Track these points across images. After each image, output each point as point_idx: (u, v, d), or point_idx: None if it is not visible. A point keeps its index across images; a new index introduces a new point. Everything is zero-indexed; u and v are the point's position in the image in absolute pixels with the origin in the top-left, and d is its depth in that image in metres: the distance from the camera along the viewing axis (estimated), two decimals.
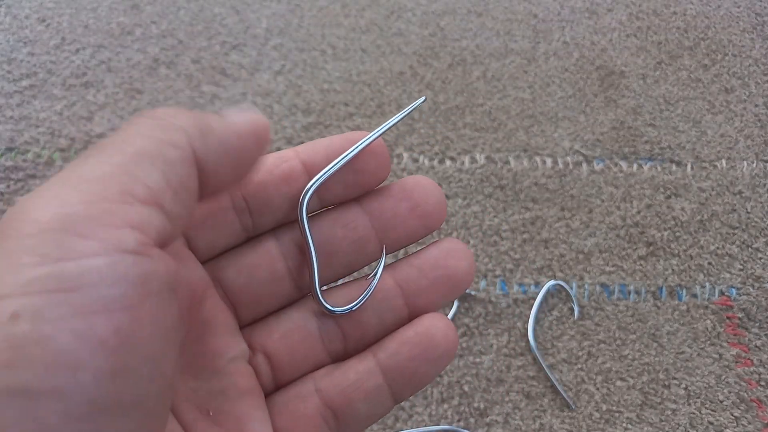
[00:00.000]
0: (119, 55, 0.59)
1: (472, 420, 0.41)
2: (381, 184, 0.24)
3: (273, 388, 0.23)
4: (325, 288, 0.24)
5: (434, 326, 0.22)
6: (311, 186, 0.21)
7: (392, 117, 0.23)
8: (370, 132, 0.22)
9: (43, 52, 0.59)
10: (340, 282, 0.25)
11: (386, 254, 0.24)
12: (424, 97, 0.24)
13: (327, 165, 0.22)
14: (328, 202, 0.24)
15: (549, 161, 0.53)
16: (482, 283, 0.46)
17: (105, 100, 0.56)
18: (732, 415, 0.42)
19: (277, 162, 0.22)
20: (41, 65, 0.58)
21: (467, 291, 0.46)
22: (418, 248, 0.25)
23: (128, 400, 0.13)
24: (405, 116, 0.23)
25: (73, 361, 0.12)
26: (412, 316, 0.23)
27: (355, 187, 0.23)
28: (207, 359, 0.21)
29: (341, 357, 0.24)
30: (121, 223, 0.14)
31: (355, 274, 0.25)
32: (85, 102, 0.56)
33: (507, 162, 0.53)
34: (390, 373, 0.22)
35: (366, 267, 0.25)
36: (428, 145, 0.54)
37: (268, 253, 0.23)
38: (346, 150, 0.22)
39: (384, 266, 0.23)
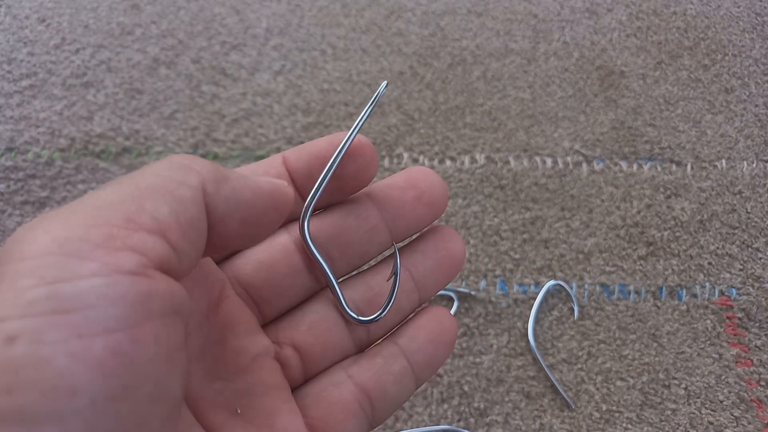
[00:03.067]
0: (119, 55, 0.59)
1: (472, 420, 0.41)
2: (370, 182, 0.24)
3: (303, 379, 0.23)
4: (341, 280, 0.25)
5: (441, 313, 0.25)
6: (308, 209, 0.22)
7: (364, 111, 0.23)
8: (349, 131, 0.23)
9: (43, 52, 0.59)
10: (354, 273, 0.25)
11: (395, 243, 0.25)
12: (385, 82, 0.24)
13: (313, 170, 0.23)
14: (321, 207, 0.24)
15: (549, 161, 0.53)
16: (482, 283, 0.46)
17: (105, 100, 0.56)
18: (732, 415, 0.42)
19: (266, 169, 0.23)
20: (41, 65, 0.58)
21: (467, 291, 0.46)
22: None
23: (129, 423, 0.13)
24: (373, 107, 0.23)
25: (71, 385, 0.12)
26: (422, 298, 0.25)
27: (342, 194, 0.24)
28: (230, 359, 0.21)
29: (365, 345, 0.25)
30: (121, 245, 0.14)
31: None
32: (85, 102, 0.56)
33: (507, 162, 0.53)
34: (412, 356, 0.23)
35: (379, 255, 0.26)
36: (428, 145, 0.54)
37: (284, 248, 0.23)
38: (332, 153, 0.22)
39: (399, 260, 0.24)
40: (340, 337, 0.24)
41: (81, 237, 0.14)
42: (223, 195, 0.17)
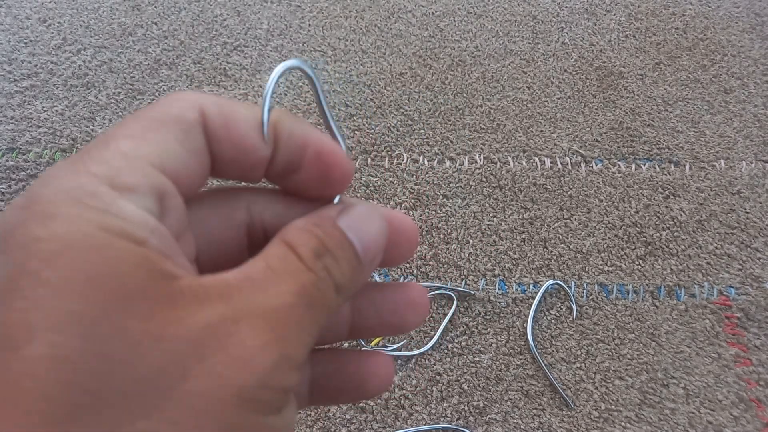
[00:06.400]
0: (121, 56, 0.60)
1: (471, 418, 0.41)
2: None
3: None
4: None
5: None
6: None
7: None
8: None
9: (45, 52, 0.60)
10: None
11: None
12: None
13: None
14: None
15: (548, 161, 0.53)
16: (481, 283, 0.47)
17: (106, 100, 0.56)
18: (731, 414, 0.42)
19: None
20: (42, 65, 0.58)
21: (466, 290, 0.46)
22: None
23: None
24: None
25: None
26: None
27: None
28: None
29: None
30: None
31: None
32: (87, 102, 0.56)
33: (506, 162, 0.53)
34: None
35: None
36: (428, 146, 0.54)
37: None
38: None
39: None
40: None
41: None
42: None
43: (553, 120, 0.56)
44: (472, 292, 0.46)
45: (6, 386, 0.12)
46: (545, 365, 0.43)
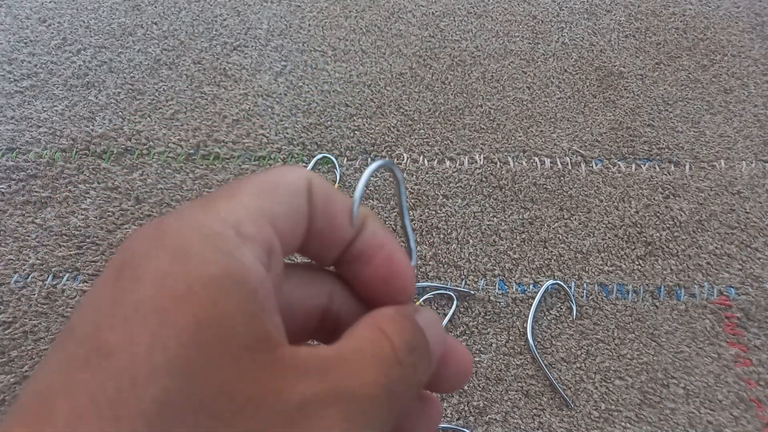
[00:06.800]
0: (121, 56, 0.60)
1: (471, 418, 0.41)
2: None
3: None
4: None
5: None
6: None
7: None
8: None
9: (44, 52, 0.60)
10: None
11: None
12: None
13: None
14: None
15: (548, 161, 0.53)
16: (481, 283, 0.47)
17: (106, 100, 0.56)
18: (731, 414, 0.42)
19: None
20: (42, 65, 0.58)
21: (466, 290, 0.46)
22: None
23: None
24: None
25: None
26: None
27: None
28: None
29: None
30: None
31: None
32: (87, 102, 0.56)
33: (506, 162, 0.53)
34: None
35: None
36: (428, 146, 0.54)
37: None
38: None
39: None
40: None
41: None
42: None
43: (553, 120, 0.56)
44: (472, 292, 0.46)
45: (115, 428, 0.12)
46: (545, 365, 0.43)
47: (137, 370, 0.12)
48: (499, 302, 0.46)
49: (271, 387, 0.13)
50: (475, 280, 0.47)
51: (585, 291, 0.47)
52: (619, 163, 0.54)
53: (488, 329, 0.45)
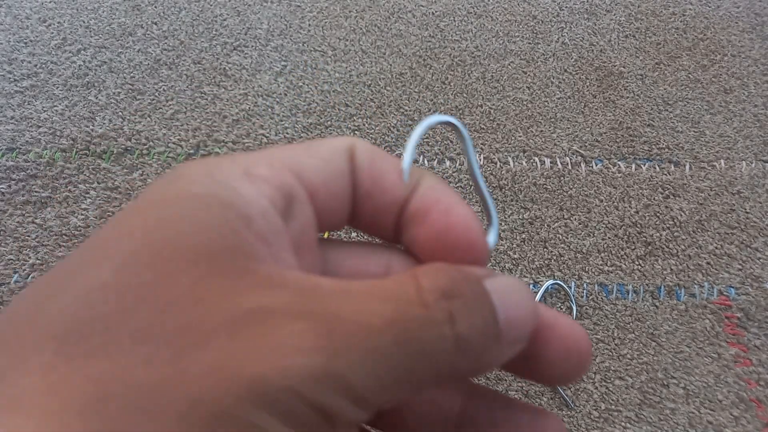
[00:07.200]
0: (121, 56, 0.60)
1: None
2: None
3: None
4: None
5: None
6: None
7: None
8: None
9: (44, 52, 0.60)
10: None
11: None
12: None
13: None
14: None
15: (548, 161, 0.54)
16: None
17: (106, 100, 0.56)
18: (731, 414, 0.42)
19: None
20: (42, 65, 0.58)
21: None
22: None
23: None
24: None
25: None
26: None
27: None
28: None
29: None
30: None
31: None
32: (87, 102, 0.56)
33: (506, 162, 0.53)
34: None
35: None
36: (428, 146, 0.54)
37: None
38: None
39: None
40: None
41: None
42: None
43: (553, 120, 0.56)
44: None
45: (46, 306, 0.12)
46: None
47: (89, 260, 0.12)
48: None
49: (224, 288, 0.12)
50: None
51: (585, 291, 0.47)
52: (619, 163, 0.54)
53: None
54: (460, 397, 0.17)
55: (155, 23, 0.62)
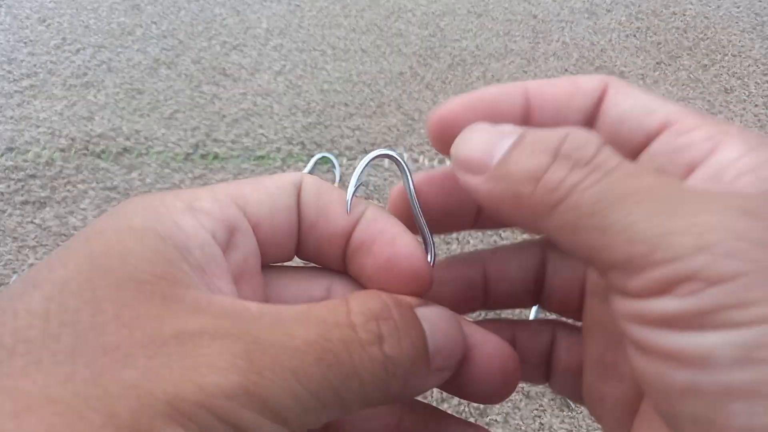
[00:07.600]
0: (120, 56, 0.60)
1: (471, 419, 0.41)
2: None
3: None
4: None
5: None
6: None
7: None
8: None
9: (44, 52, 0.59)
10: None
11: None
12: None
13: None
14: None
15: None
16: None
17: (106, 100, 0.56)
18: None
19: None
20: (42, 65, 0.58)
21: None
22: None
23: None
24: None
25: None
26: None
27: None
28: None
29: None
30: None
31: None
32: (86, 102, 0.56)
33: None
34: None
35: None
36: (428, 145, 0.54)
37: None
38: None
39: None
40: None
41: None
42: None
43: None
44: None
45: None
46: None
47: (25, 288, 0.13)
48: None
49: (150, 314, 0.12)
50: None
51: None
52: None
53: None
54: (399, 410, 0.17)
55: (154, 23, 0.62)
